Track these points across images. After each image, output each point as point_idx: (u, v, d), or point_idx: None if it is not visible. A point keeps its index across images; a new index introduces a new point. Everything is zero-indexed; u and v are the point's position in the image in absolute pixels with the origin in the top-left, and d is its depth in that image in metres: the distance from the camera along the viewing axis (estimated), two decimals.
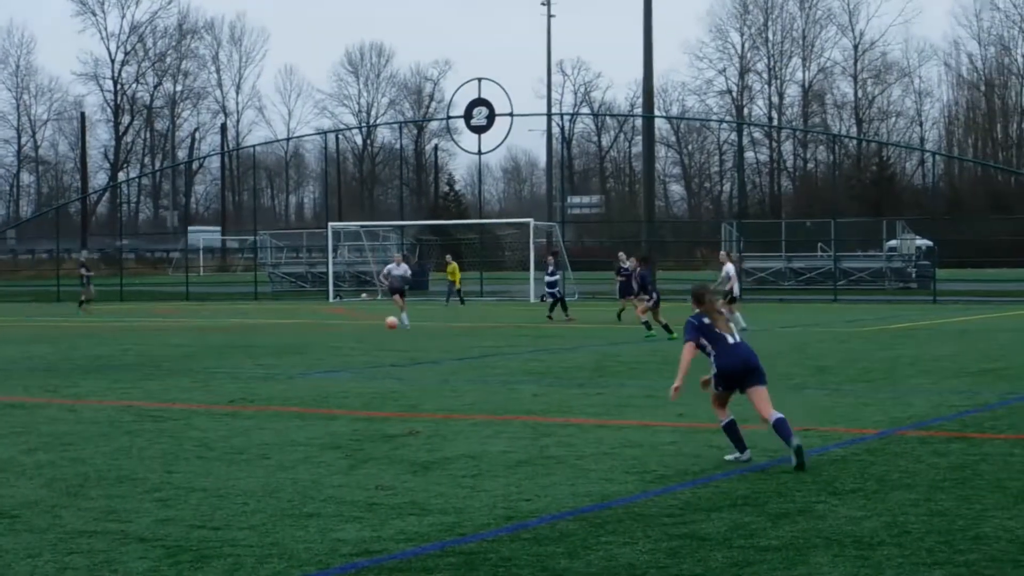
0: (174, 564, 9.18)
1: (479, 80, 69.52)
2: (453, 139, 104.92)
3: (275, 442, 14.98)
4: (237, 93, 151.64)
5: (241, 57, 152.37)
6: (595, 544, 9.73)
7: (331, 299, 63.98)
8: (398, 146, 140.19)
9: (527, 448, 14.38)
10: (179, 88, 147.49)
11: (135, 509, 11.10)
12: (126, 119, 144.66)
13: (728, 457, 13.53)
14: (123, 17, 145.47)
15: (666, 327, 32.21)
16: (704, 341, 13.45)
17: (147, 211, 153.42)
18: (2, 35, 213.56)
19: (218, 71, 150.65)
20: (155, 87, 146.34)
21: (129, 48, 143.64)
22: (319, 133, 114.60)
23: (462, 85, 72.12)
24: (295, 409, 18.29)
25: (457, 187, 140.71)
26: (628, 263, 37.97)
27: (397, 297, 39.27)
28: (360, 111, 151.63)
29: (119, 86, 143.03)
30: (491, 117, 68.77)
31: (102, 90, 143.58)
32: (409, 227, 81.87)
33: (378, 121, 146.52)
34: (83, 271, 54.20)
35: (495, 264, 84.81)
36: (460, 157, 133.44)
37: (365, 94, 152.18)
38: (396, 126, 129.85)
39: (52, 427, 16.62)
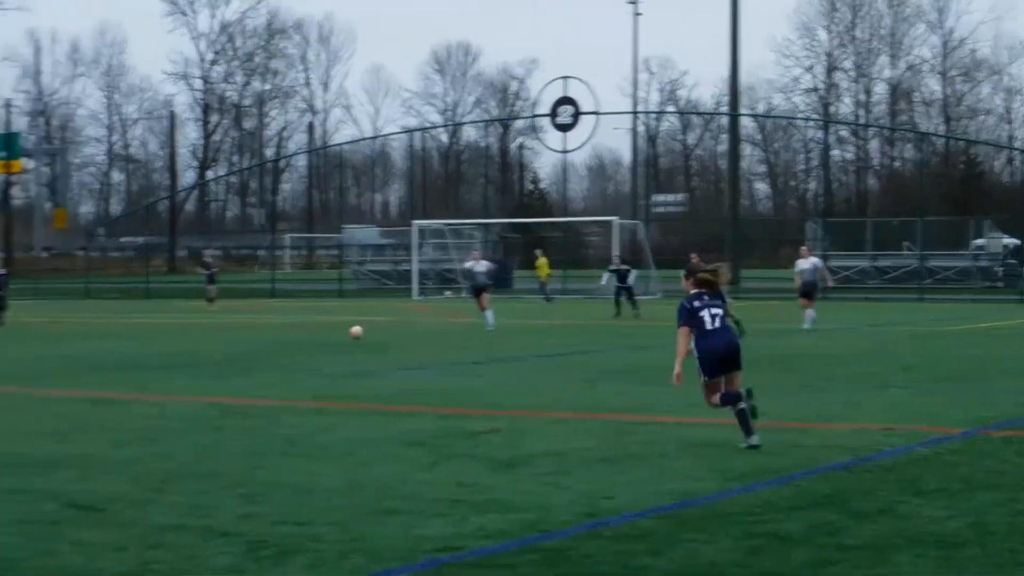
0: (256, 559, 9.26)
1: (565, 78, 69.51)
2: (538, 137, 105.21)
3: (358, 438, 15.07)
4: (325, 92, 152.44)
5: (329, 56, 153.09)
6: (676, 542, 9.73)
7: (415, 297, 64.17)
8: (483, 144, 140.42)
9: (609, 445, 14.38)
10: (267, 87, 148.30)
11: (219, 504, 11.21)
12: (215, 118, 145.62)
13: (741, 445, 13.98)
14: (213, 17, 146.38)
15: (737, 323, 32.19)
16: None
17: (234, 209, 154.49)
18: (95, 36, 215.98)
19: (306, 70, 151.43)
20: (244, 86, 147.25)
21: (219, 48, 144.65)
22: (405, 131, 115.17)
23: (548, 83, 72.19)
24: (378, 406, 18.38)
25: (541, 185, 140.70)
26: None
27: (481, 296, 38.15)
28: (446, 109, 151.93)
29: (208, 85, 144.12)
30: (576, 115, 68.75)
31: (191, 89, 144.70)
32: (493, 225, 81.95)
33: (464, 119, 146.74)
34: (206, 269, 54.27)
35: (579, 262, 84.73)
36: (545, 155, 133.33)
37: (451, 93, 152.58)
38: (482, 124, 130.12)
39: (140, 423, 16.80)
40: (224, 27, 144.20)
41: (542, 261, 60.04)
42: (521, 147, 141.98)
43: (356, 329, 31.61)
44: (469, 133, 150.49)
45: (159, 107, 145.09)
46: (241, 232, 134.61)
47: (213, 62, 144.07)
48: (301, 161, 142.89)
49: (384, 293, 71.48)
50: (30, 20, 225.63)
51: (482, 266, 39.19)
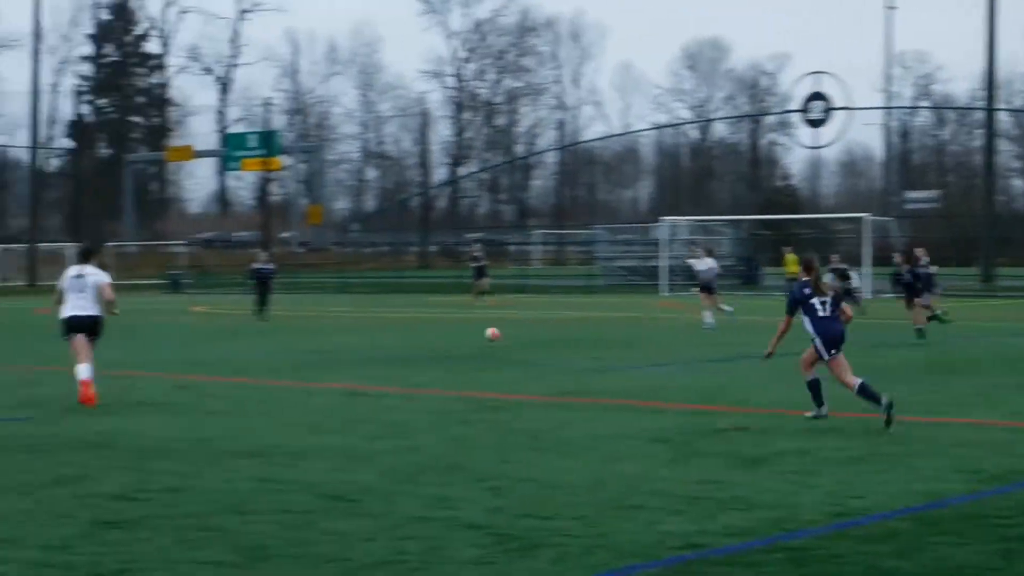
0: (503, 552, 9.39)
1: (816, 74, 68.73)
2: (789, 133, 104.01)
3: (604, 434, 15.15)
4: (575, 89, 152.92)
5: (580, 53, 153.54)
6: (925, 544, 9.61)
7: (663, 293, 64.05)
8: (733, 140, 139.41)
9: (859, 445, 14.24)
10: (518, 84, 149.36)
11: (467, 497, 11.38)
12: (467, 115, 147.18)
13: (808, 414, 16.25)
14: (466, 16, 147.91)
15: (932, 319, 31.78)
16: (802, 313, 16.23)
17: (485, 205, 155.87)
18: (350, 35, 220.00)
19: (557, 67, 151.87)
20: (495, 83, 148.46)
21: (471, 46, 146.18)
22: (655, 128, 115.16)
23: (799, 79, 71.42)
24: (624, 402, 18.44)
25: (792, 181, 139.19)
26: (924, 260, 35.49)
27: (704, 294, 36.65)
28: (696, 105, 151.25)
29: (461, 83, 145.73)
30: (828, 111, 67.92)
31: (444, 87, 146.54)
32: (742, 221, 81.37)
33: (714, 115, 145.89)
34: (475, 262, 54.84)
35: (829, 259, 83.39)
36: (796, 151, 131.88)
37: (702, 89, 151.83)
38: (732, 120, 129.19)
39: (392, 416, 17.12)
40: (477, 25, 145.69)
41: (790, 258, 59.33)
42: (771, 143, 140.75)
43: (493, 331, 28.98)
44: (719, 129, 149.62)
45: (412, 105, 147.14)
46: (491, 228, 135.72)
47: (466, 60, 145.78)
48: (551, 158, 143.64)
49: (632, 289, 71.44)
50: (288, 21, 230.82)
51: (705, 264, 37.49)
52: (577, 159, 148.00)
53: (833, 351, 16.14)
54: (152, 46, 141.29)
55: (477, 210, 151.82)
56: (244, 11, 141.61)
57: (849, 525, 10.26)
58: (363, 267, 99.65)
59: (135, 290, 77.87)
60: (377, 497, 11.40)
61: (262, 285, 42.51)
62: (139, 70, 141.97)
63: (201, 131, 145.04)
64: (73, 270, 19.89)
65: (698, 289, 37.78)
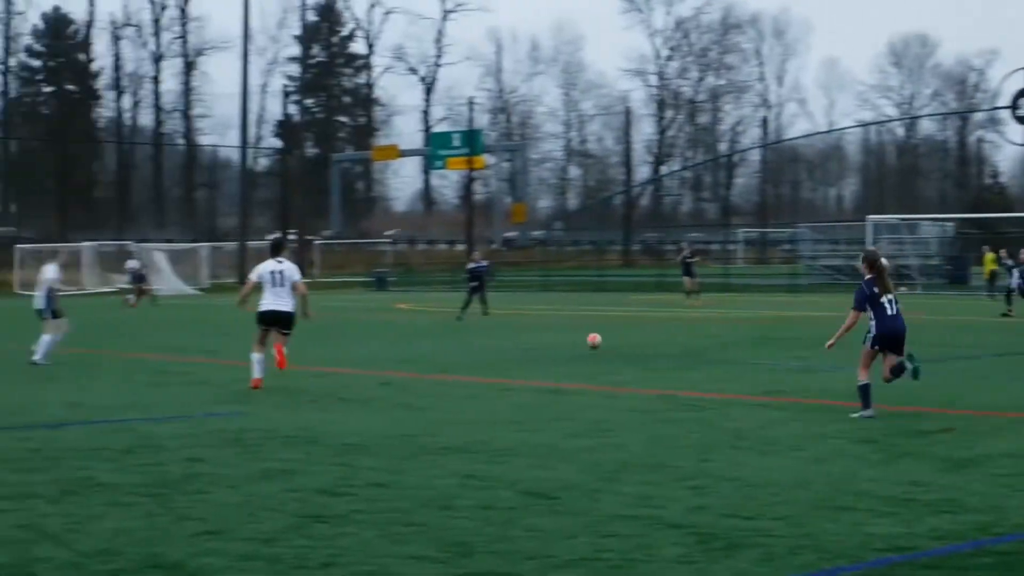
0: (706, 551, 9.35)
1: None
2: (998, 130, 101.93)
3: (808, 434, 15.02)
4: (779, 86, 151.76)
5: (784, 50, 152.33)
6: None
7: None
8: (940, 138, 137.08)
9: None
10: (721, 82, 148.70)
11: (669, 496, 11.36)
12: (669, 113, 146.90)
13: (853, 415, 16.33)
14: (668, 14, 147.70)
15: None
16: (869, 309, 16.59)
17: (688, 203, 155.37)
18: (553, 33, 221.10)
19: (760, 64, 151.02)
20: (698, 81, 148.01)
21: (674, 44, 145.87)
22: (860, 125, 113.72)
23: (1009, 74, 69.94)
24: (829, 402, 18.25)
25: (1001, 179, 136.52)
26: None
27: None
28: (902, 102, 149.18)
29: (663, 81, 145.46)
30: None
31: (646, 85, 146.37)
32: (950, 220, 79.94)
33: (920, 112, 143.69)
34: (687, 259, 54.44)
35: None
36: (1005, 148, 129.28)
37: (908, 85, 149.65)
38: (939, 117, 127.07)
39: (592, 414, 17.15)
40: (679, 23, 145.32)
41: (989, 257, 58.19)
42: (980, 140, 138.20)
43: (593, 337, 27.87)
44: (926, 126, 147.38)
45: (615, 103, 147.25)
46: (694, 226, 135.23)
47: (668, 58, 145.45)
48: (754, 156, 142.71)
49: (836, 288, 70.56)
50: (492, 20, 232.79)
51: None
52: (781, 157, 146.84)
53: (888, 350, 16.65)
54: (358, 46, 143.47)
55: (680, 209, 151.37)
56: (448, 11, 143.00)
57: None
58: (566, 265, 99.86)
59: (341, 287, 79.10)
60: (579, 495, 11.43)
61: (477, 282, 43.06)
62: (345, 70, 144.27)
63: (406, 130, 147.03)
64: (270, 264, 20.62)
65: None
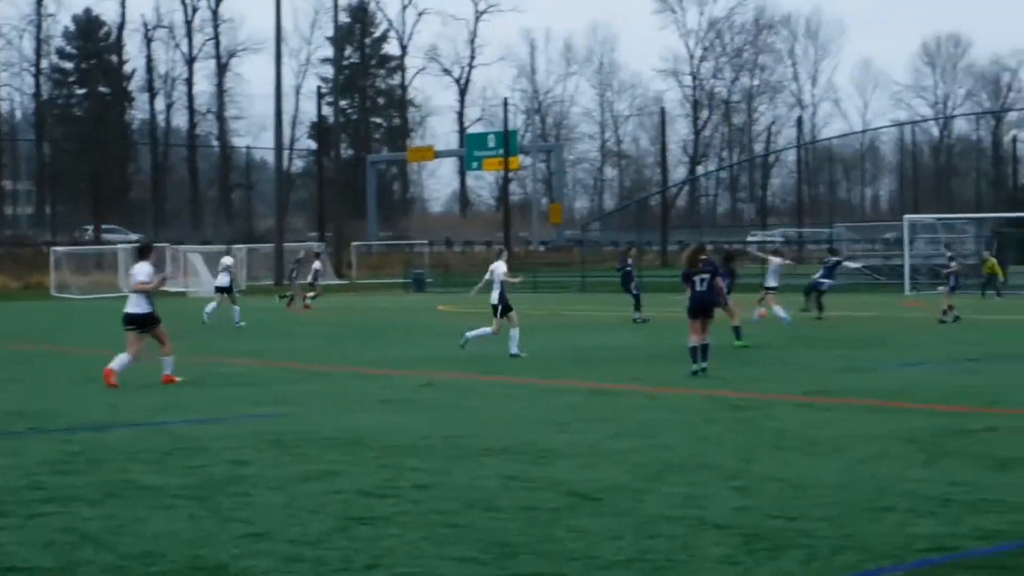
0: (750, 552, 9.34)
1: None
2: None
3: (852, 434, 14.97)
4: (813, 86, 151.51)
5: (817, 50, 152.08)
6: None
7: (907, 292, 62.99)
8: (975, 137, 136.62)
9: None
10: (756, 82, 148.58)
11: (713, 496, 11.35)
12: (704, 113, 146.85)
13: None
14: (701, 14, 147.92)
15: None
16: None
17: (724, 204, 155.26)
18: (587, 34, 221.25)
19: (794, 65, 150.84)
20: (732, 82, 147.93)
21: (707, 44, 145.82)
22: (895, 125, 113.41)
23: None
24: (872, 402, 18.20)
25: None
26: None
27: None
28: (936, 102, 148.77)
29: (697, 81, 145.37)
30: None
31: (681, 85, 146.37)
32: (986, 220, 79.56)
33: (955, 112, 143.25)
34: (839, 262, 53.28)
35: None
36: None
37: (942, 85, 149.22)
38: (973, 117, 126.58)
39: (636, 414, 17.15)
40: (712, 23, 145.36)
41: (990, 263, 58.98)
42: (1015, 139, 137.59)
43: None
44: (960, 126, 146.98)
45: (650, 103, 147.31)
46: (731, 227, 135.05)
47: (702, 58, 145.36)
48: (790, 156, 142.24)
49: (874, 288, 70.36)
50: (525, 20, 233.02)
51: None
52: (817, 157, 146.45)
53: (699, 316, 22.56)
54: (391, 47, 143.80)
55: (717, 209, 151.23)
56: (481, 11, 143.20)
57: None
58: (603, 266, 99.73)
59: (380, 289, 79.23)
60: (623, 495, 11.42)
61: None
62: (379, 71, 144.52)
63: (440, 132, 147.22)
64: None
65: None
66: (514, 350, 26.28)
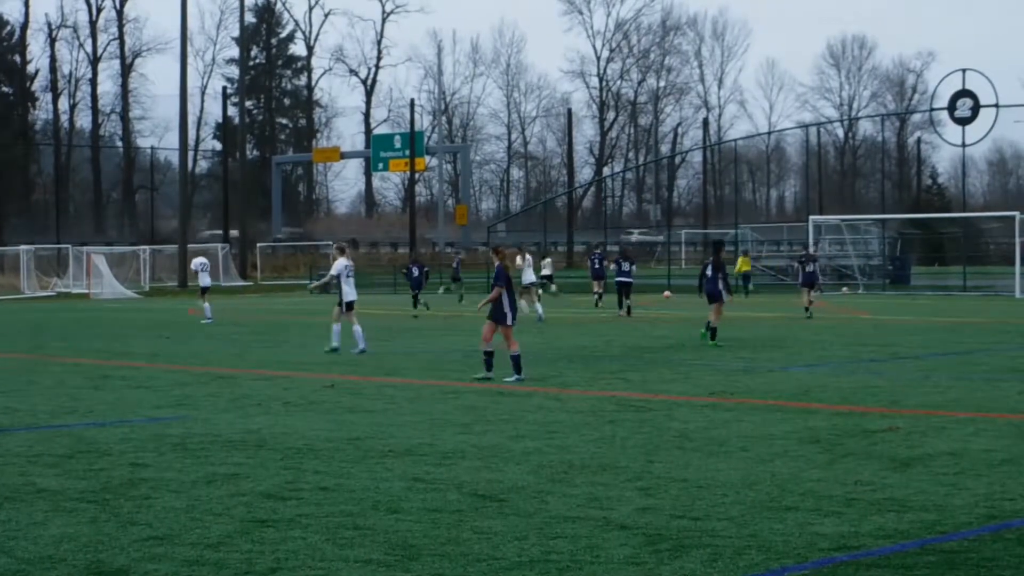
0: (654, 552, 9.36)
1: (963, 71, 68.03)
2: (936, 131, 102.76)
3: (754, 435, 15.07)
4: (719, 88, 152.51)
5: (723, 52, 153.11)
6: None
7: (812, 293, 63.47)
8: (880, 139, 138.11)
9: (1011, 447, 14.03)
10: (662, 84, 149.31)
11: (617, 497, 11.37)
12: (611, 115, 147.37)
13: (476, 376, 22.02)
14: (608, 15, 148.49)
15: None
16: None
17: (631, 204, 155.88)
18: (494, 35, 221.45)
19: (700, 66, 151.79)
20: (639, 83, 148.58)
21: (614, 45, 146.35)
22: (800, 127, 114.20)
23: (946, 76, 70.91)
24: (774, 402, 18.33)
25: (940, 180, 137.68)
26: None
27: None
28: (841, 104, 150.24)
29: (604, 83, 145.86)
30: (976, 108, 67.31)
31: (587, 87, 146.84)
32: (890, 221, 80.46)
33: (859, 114, 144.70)
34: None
35: (979, 259, 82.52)
36: (943, 149, 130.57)
37: (847, 87, 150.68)
38: (878, 119, 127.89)
39: (539, 415, 17.15)
40: (619, 25, 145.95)
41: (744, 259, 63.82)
42: (919, 141, 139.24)
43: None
44: (865, 128, 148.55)
45: (556, 105, 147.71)
46: (637, 228, 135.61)
47: (609, 60, 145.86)
48: (696, 157, 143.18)
49: (780, 289, 70.94)
50: (432, 21, 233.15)
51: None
52: (722, 158, 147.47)
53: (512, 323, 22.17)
54: (297, 48, 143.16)
55: (623, 210, 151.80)
56: (388, 13, 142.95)
57: (1003, 528, 10.11)
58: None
59: (284, 290, 78.82)
60: (527, 496, 11.42)
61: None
62: (285, 72, 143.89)
63: (347, 132, 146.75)
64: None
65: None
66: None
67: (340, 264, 28.66)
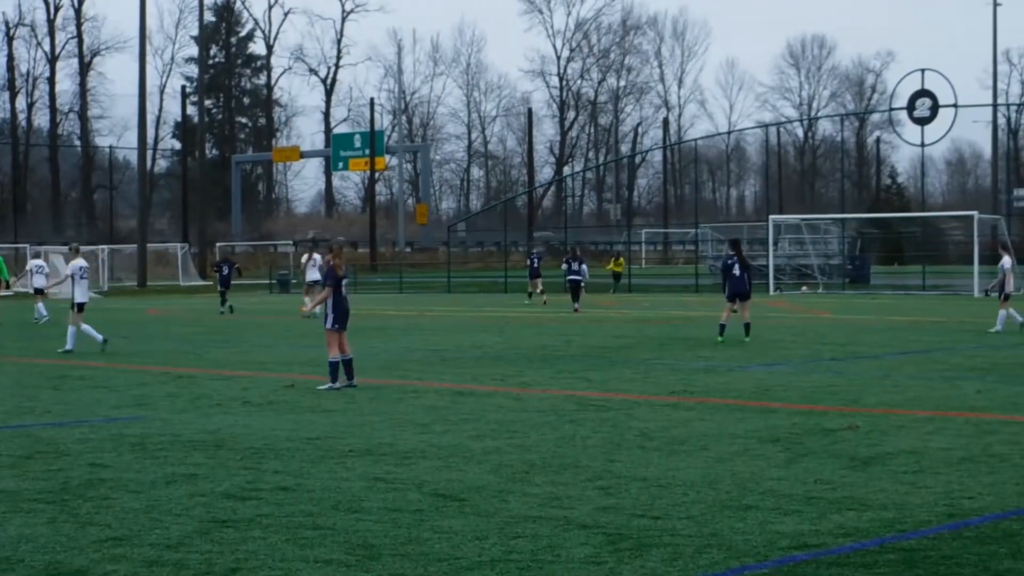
0: (615, 551, 9.36)
1: (922, 71, 68.39)
2: (895, 131, 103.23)
3: (714, 433, 15.09)
4: (679, 87, 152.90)
5: (683, 52, 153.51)
6: None
7: (771, 292, 63.72)
8: (839, 139, 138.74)
9: (970, 445, 14.08)
10: (622, 83, 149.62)
11: (578, 496, 11.37)
12: (571, 114, 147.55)
13: (321, 387, 20.51)
14: (569, 15, 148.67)
15: None
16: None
17: (591, 204, 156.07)
18: (454, 34, 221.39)
19: (660, 66, 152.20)
20: (599, 83, 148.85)
21: (574, 45, 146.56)
22: (760, 126, 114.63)
23: (905, 76, 71.23)
24: (734, 401, 18.36)
25: (899, 179, 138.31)
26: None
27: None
28: (801, 103, 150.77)
29: (564, 82, 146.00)
30: (935, 108, 67.67)
31: (548, 86, 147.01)
32: (849, 220, 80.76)
33: (819, 114, 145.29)
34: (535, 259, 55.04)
35: (938, 258, 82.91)
36: (903, 149, 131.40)
37: (806, 86, 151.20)
38: (837, 118, 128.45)
39: (499, 415, 17.14)
40: (579, 24, 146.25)
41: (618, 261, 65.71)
42: (878, 141, 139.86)
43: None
44: (825, 127, 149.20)
45: (517, 104, 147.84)
46: (597, 227, 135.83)
47: (569, 59, 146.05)
48: (656, 156, 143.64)
49: None
50: (392, 20, 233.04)
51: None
52: (682, 158, 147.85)
53: (337, 326, 20.73)
54: (257, 47, 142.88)
55: (583, 209, 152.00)
56: (348, 12, 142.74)
57: (962, 525, 10.14)
58: (469, 267, 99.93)
59: (243, 290, 78.53)
60: (487, 496, 11.41)
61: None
62: (244, 71, 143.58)
63: (307, 131, 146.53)
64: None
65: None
66: None
67: (75, 265, 29.02)
